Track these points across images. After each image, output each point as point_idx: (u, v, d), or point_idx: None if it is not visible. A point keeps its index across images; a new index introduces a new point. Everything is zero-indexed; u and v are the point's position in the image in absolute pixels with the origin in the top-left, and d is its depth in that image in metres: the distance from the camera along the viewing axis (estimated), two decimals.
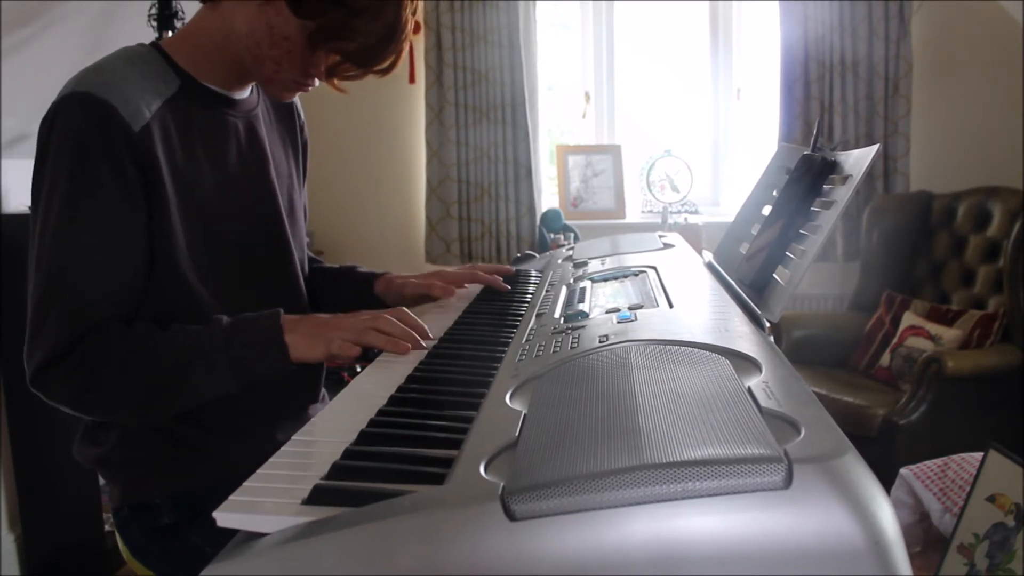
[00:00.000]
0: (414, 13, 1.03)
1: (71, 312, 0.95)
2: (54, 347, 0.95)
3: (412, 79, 3.59)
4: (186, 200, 1.03)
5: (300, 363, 0.98)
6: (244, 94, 1.13)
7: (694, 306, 0.96)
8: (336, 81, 1.06)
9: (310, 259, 1.33)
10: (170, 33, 2.28)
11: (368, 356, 1.02)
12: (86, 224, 0.96)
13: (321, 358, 0.99)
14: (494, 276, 1.35)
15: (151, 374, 0.96)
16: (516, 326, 1.08)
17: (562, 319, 1.00)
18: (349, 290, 1.33)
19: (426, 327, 1.05)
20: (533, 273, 1.49)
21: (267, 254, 1.16)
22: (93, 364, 0.95)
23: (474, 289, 1.39)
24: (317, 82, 1.07)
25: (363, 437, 0.70)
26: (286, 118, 1.24)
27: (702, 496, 0.47)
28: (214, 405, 1.05)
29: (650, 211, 3.62)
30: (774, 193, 1.16)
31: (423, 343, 1.01)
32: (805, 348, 3.08)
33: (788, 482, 0.47)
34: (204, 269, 1.05)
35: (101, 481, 2.40)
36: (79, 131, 0.95)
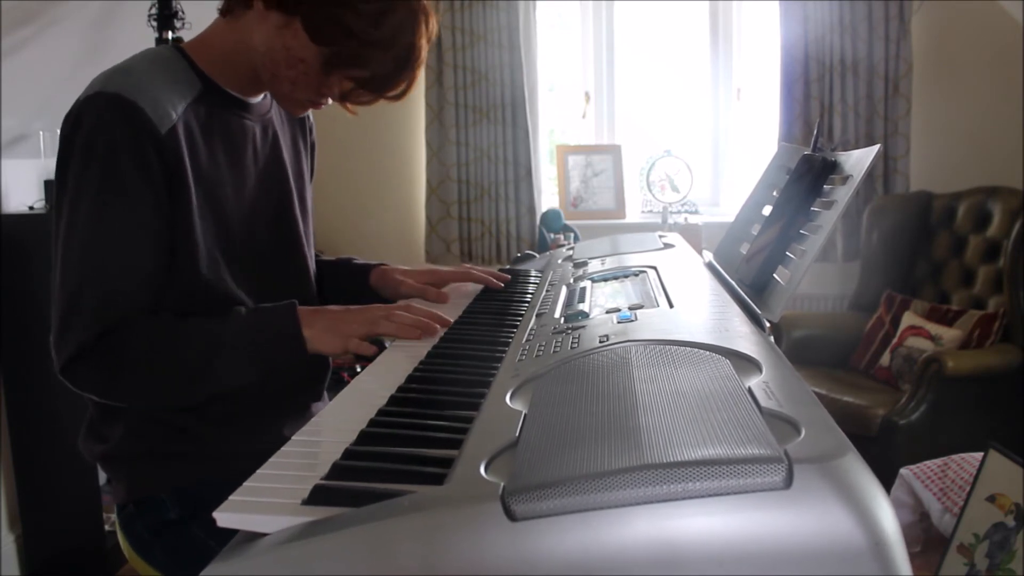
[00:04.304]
0: (428, 41, 1.05)
1: (100, 306, 0.98)
2: (84, 339, 0.97)
3: None
4: (207, 199, 1.06)
5: (316, 354, 1.04)
6: (259, 99, 1.16)
7: (694, 306, 0.96)
8: (348, 105, 1.10)
9: None
10: (170, 34, 2.28)
11: (369, 358, 1.03)
12: (115, 223, 0.99)
13: (338, 353, 1.05)
14: (487, 277, 1.38)
15: (175, 364, 1.00)
16: (516, 326, 1.08)
17: (562, 319, 1.00)
18: (347, 281, 1.38)
19: (440, 315, 1.10)
20: (533, 273, 1.49)
21: (281, 253, 1.19)
22: (120, 355, 0.98)
23: (475, 288, 1.39)
24: (330, 101, 1.10)
25: (363, 437, 0.70)
26: (297, 119, 1.27)
27: (702, 496, 0.47)
28: (219, 401, 1.08)
29: (650, 211, 3.62)
30: (774, 193, 1.16)
31: (438, 327, 1.08)
32: (805, 348, 3.07)
33: (788, 482, 0.47)
34: (221, 265, 1.08)
35: (101, 480, 2.41)
36: (109, 132, 0.97)
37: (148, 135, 0.98)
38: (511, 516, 0.49)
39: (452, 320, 1.13)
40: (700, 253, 1.39)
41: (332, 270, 1.38)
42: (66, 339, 0.98)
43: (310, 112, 1.29)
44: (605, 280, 1.20)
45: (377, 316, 1.06)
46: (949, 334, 2.76)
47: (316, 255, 1.40)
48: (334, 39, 1.00)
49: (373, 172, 3.78)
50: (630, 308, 0.96)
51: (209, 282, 1.07)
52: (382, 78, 1.04)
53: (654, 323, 0.88)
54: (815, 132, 1.11)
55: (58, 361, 0.99)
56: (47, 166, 2.36)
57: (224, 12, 1.08)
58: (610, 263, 1.33)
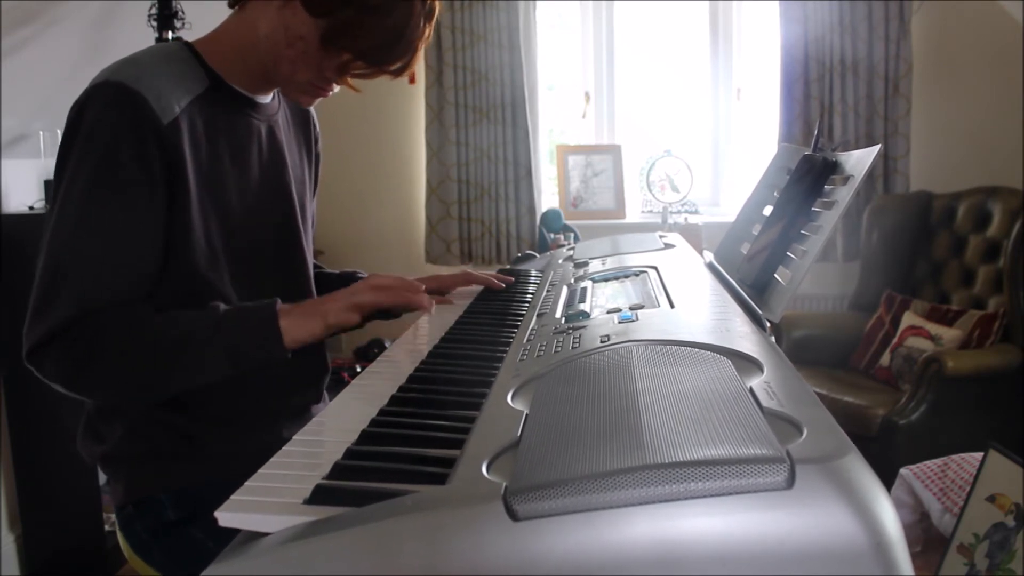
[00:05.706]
0: (429, 18, 1.05)
1: (79, 294, 0.96)
2: (55, 325, 0.95)
3: (412, 79, 3.59)
4: (207, 196, 1.05)
5: (299, 346, 0.99)
6: (267, 99, 1.16)
7: (695, 306, 0.96)
8: (349, 79, 1.08)
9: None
10: (170, 34, 2.28)
11: (368, 356, 1.03)
12: (106, 210, 0.97)
13: (320, 334, 1.01)
14: (488, 277, 1.39)
15: (143, 356, 0.97)
16: (517, 326, 1.08)
17: (563, 319, 1.00)
18: None
19: (425, 296, 1.09)
20: (533, 273, 1.49)
21: (281, 254, 1.18)
22: (88, 344, 0.95)
23: (475, 288, 1.39)
24: (336, 88, 1.09)
25: (365, 437, 0.70)
26: (303, 128, 1.27)
27: (704, 496, 0.47)
28: (218, 401, 1.07)
29: (650, 211, 3.62)
30: (775, 193, 1.16)
31: (422, 287, 1.08)
32: (805, 348, 3.07)
33: (790, 482, 0.47)
34: (219, 264, 1.07)
35: (102, 480, 2.40)
36: (110, 119, 0.97)
37: (150, 125, 0.97)
38: (513, 516, 0.49)
39: (452, 319, 1.13)
40: (700, 253, 1.39)
41: (333, 281, 1.37)
42: (36, 325, 0.96)
43: (317, 124, 1.30)
44: (606, 280, 1.20)
45: (357, 288, 1.04)
46: (949, 334, 2.77)
47: (317, 262, 1.40)
48: (332, 8, 1.00)
49: (373, 172, 3.78)
50: (631, 308, 0.96)
51: (206, 280, 1.05)
52: (379, 49, 1.04)
53: (655, 323, 0.88)
54: (815, 132, 1.11)
55: (25, 346, 0.97)
56: (47, 166, 2.36)
57: (232, 3, 1.09)
58: (611, 263, 1.33)
